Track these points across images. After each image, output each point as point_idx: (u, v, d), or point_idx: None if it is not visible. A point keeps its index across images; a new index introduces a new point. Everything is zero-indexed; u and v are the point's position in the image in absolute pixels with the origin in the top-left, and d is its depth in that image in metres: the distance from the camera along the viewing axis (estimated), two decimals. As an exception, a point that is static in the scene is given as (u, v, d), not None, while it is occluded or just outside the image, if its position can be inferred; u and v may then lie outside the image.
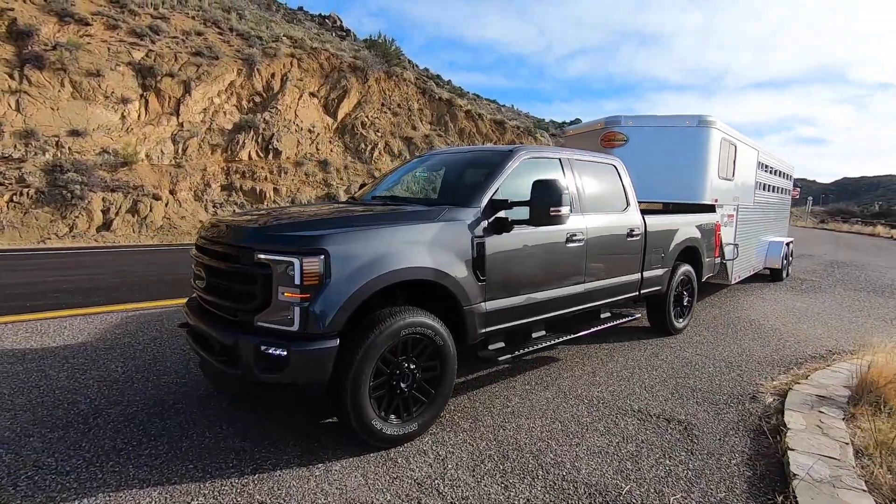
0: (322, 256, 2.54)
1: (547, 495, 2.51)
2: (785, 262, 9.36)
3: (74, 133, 15.37)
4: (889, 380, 3.65)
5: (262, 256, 2.59)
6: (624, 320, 4.62)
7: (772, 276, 9.32)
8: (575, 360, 4.58)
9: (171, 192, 17.01)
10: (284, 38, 22.69)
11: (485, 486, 2.57)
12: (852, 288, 9.11)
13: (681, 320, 5.48)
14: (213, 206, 17.76)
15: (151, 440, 2.91)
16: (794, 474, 2.55)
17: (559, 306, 3.89)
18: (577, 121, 70.65)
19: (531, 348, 3.63)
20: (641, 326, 5.65)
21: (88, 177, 14.63)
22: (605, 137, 5.99)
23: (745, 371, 4.43)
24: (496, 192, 3.42)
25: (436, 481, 2.59)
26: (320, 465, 2.71)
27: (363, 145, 22.74)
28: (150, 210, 15.91)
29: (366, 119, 23.21)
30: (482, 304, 3.25)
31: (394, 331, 2.75)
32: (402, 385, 2.88)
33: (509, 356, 3.45)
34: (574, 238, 3.87)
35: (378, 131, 23.38)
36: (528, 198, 3.29)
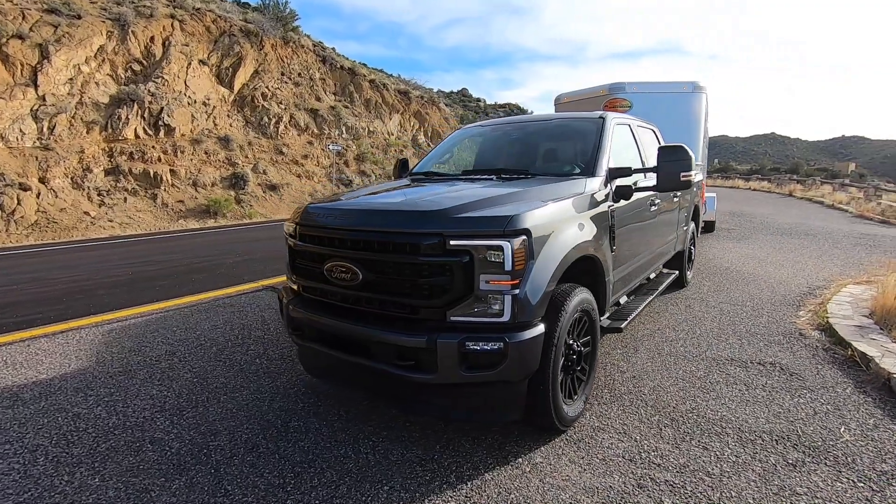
0: (524, 237, 2.31)
1: (746, 449, 2.61)
2: (716, 214, 10.60)
3: None
4: (890, 305, 4.33)
5: (456, 242, 2.28)
6: (671, 279, 4.90)
7: (706, 227, 10.48)
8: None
9: (42, 181, 14.27)
10: (159, -5, 19.67)
11: (686, 449, 2.61)
12: (768, 233, 10.59)
13: (690, 273, 5.96)
14: (99, 195, 15.26)
15: (308, 468, 2.48)
16: (918, 394, 2.94)
17: (643, 270, 3.99)
18: (464, 90, 71.09)
19: (636, 314, 3.69)
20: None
21: (-72, 166, 11.66)
22: (609, 104, 6.16)
23: (770, 312, 4.96)
24: (609, 159, 3.36)
25: (641, 454, 2.56)
26: (519, 460, 2.53)
27: (266, 119, 20.91)
28: (19, 203, 13.24)
29: (266, 90, 21.26)
30: (612, 273, 3.22)
31: (573, 310, 2.62)
32: (574, 365, 2.78)
33: (625, 323, 3.48)
34: (654, 202, 3.97)
35: (281, 103, 21.61)
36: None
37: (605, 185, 3.20)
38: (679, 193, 4.81)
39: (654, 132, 4.77)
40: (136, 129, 16.76)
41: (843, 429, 2.80)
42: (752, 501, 2.21)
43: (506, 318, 2.29)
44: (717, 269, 6.96)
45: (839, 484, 2.33)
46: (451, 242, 2.28)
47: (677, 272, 5.15)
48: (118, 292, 6.15)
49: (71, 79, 15.82)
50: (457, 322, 2.33)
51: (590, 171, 3.21)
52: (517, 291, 2.28)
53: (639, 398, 3.19)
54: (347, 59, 28.75)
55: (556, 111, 7.54)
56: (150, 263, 8.18)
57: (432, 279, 2.31)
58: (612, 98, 6.24)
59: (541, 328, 2.37)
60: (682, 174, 3.15)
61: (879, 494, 2.25)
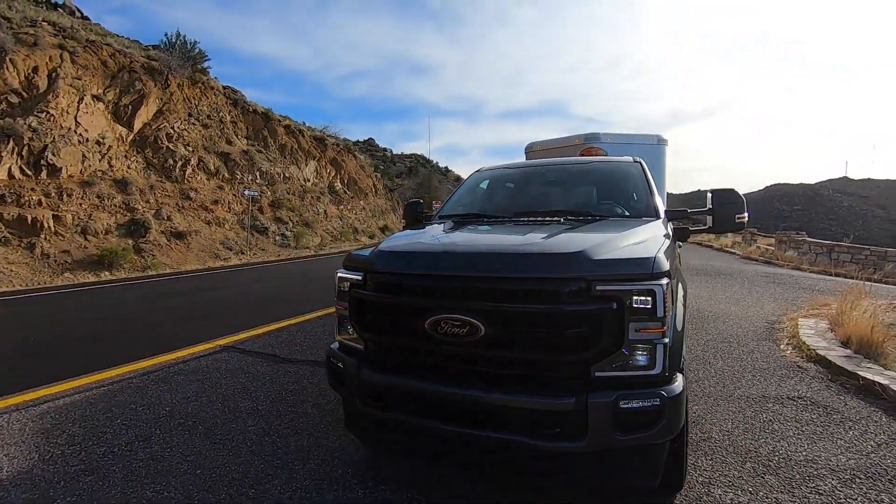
0: (667, 280, 2.13)
1: (854, 489, 2.57)
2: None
3: None
4: (865, 336, 4.78)
5: (604, 287, 2.03)
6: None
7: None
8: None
9: None
10: (45, 23, 17.63)
11: (804, 497, 2.50)
12: (691, 274, 11.54)
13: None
14: (-42, 245, 12.65)
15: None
16: (955, 417, 3.17)
17: (674, 311, 4.01)
18: (371, 140, 71.36)
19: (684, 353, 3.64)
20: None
21: None
22: (585, 152, 6.38)
23: (758, 349, 5.23)
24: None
25: (770, 509, 2.41)
26: (657, 531, 2.25)
27: (171, 161, 19.13)
28: None
29: (171, 131, 19.59)
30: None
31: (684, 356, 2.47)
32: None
33: (683, 363, 3.40)
34: (680, 246, 4.05)
35: (188, 145, 19.99)
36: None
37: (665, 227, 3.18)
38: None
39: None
40: (10, 169, 14.37)
41: (915, 458, 2.89)
42: (909, 548, 2.13)
43: (657, 370, 2.05)
44: (678, 308, 7.34)
45: (962, 517, 2.34)
46: (598, 287, 2.03)
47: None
48: (28, 364, 4.91)
49: (-74, 108, 13.31)
50: (603, 378, 2.05)
51: (652, 213, 3.18)
52: (667, 340, 2.07)
53: (716, 445, 3.07)
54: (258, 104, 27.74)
55: (527, 159, 7.71)
56: (60, 324, 6.75)
57: (575, 330, 2.03)
58: (589, 147, 6.52)
59: (682, 379, 2.17)
60: (738, 216, 3.23)
61: None
